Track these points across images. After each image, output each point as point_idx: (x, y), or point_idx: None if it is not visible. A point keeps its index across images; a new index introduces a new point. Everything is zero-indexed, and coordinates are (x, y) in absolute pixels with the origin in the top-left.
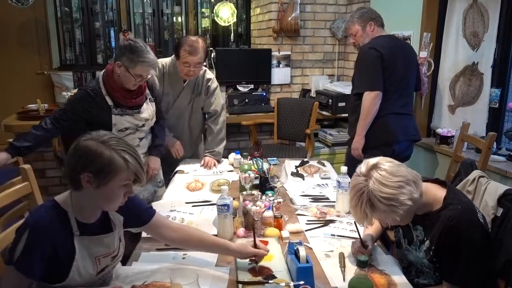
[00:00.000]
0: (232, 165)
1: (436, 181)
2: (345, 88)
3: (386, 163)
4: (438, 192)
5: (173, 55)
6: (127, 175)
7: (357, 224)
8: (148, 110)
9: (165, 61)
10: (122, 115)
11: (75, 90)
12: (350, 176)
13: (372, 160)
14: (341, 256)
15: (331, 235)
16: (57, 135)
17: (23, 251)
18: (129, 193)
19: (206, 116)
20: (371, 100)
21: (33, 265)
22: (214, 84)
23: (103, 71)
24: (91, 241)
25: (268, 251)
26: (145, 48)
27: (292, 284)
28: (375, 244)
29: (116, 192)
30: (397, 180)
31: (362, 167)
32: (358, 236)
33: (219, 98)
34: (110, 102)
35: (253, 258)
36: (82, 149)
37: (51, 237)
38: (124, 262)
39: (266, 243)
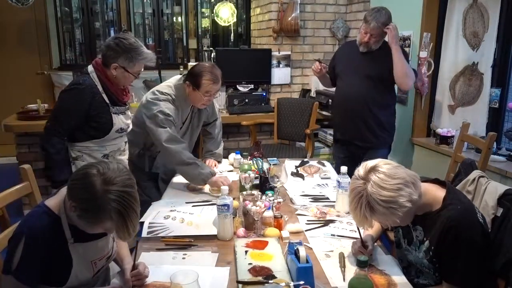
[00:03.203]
0: (232, 165)
1: (436, 181)
2: None
3: (384, 165)
4: (437, 193)
5: (171, 83)
6: (108, 226)
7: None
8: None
9: (168, 91)
10: (118, 114)
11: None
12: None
13: (370, 163)
14: (341, 256)
15: (331, 235)
16: None
17: (21, 260)
18: (108, 232)
19: (205, 123)
20: None
21: (32, 274)
22: None
23: (90, 67)
24: (86, 247)
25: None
26: (138, 42)
27: (292, 284)
28: (375, 244)
29: (93, 230)
30: (395, 183)
31: (360, 170)
32: (358, 236)
33: (215, 104)
34: (107, 100)
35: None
36: (86, 183)
37: (47, 245)
38: None
39: (266, 243)
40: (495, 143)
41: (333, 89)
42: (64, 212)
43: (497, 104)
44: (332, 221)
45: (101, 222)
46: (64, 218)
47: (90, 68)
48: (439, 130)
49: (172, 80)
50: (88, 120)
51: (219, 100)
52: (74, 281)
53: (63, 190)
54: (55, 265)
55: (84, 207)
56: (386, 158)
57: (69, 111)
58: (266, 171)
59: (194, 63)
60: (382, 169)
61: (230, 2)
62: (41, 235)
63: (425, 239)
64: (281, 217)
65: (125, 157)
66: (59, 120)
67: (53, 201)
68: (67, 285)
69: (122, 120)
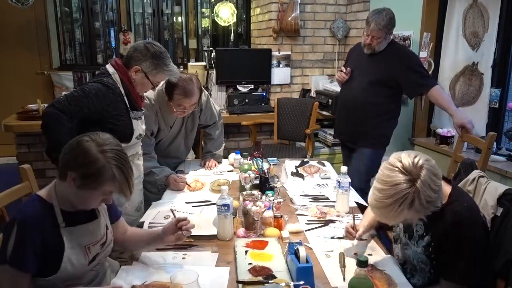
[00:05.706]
0: (232, 165)
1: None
2: None
3: (428, 162)
4: (443, 187)
5: (158, 86)
6: (110, 188)
7: (354, 215)
8: None
9: (151, 96)
10: (136, 119)
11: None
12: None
13: (418, 157)
14: (341, 256)
15: (331, 237)
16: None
17: (14, 246)
18: (106, 202)
19: (203, 125)
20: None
21: (27, 259)
22: (204, 97)
23: (111, 68)
24: (78, 230)
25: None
26: (167, 53)
27: (292, 284)
28: (375, 244)
29: (94, 198)
30: (439, 184)
31: (405, 162)
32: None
33: (214, 108)
34: (127, 104)
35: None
36: (82, 149)
37: (40, 230)
38: (125, 261)
39: (266, 243)
40: (495, 143)
41: (333, 88)
42: (55, 198)
43: (497, 104)
44: (332, 221)
45: (103, 184)
46: (56, 203)
47: (111, 69)
48: (439, 130)
49: (160, 84)
50: (105, 119)
51: (219, 100)
52: (70, 268)
53: (53, 182)
54: (48, 250)
55: (85, 172)
56: (380, 158)
57: (87, 98)
58: (266, 171)
59: (194, 63)
60: (428, 166)
61: (230, 2)
62: (32, 220)
63: (425, 234)
64: (281, 217)
65: (141, 162)
66: (73, 101)
67: (44, 191)
68: (63, 273)
69: (140, 126)
